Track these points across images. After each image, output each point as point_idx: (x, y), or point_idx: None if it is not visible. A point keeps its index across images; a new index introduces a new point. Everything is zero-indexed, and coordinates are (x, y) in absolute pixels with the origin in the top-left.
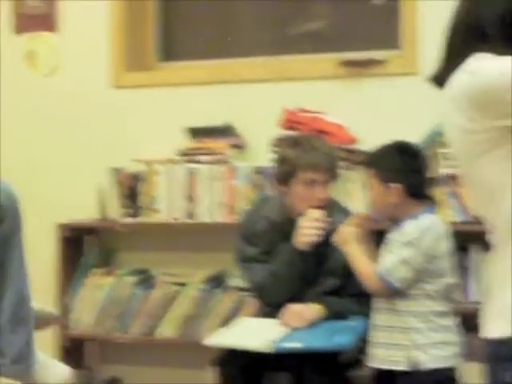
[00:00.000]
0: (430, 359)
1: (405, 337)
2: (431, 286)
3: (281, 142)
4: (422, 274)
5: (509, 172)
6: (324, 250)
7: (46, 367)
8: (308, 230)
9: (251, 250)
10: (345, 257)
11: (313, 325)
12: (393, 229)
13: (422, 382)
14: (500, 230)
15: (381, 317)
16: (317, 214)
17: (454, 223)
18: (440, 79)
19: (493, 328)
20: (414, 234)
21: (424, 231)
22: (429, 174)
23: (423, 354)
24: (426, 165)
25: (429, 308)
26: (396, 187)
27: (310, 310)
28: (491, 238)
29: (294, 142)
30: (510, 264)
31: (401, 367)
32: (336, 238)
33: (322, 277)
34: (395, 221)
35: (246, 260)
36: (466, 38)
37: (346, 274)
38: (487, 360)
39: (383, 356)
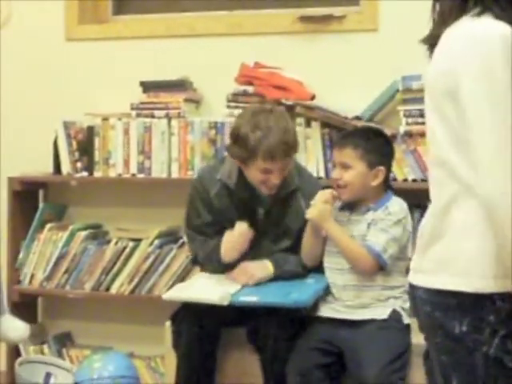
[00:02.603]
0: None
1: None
2: (404, 263)
3: (240, 115)
4: (401, 251)
5: None
6: (280, 211)
7: (7, 322)
8: (232, 245)
9: (198, 220)
10: (300, 219)
11: (262, 284)
12: (362, 210)
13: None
14: (464, 180)
15: (350, 293)
16: (243, 228)
17: (412, 181)
18: (432, 40)
19: (445, 280)
20: (401, 214)
21: (407, 211)
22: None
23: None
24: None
25: (402, 283)
26: (382, 170)
27: (258, 268)
28: (446, 185)
29: (254, 123)
30: (473, 217)
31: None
32: (312, 215)
33: (278, 237)
34: (360, 203)
35: (191, 228)
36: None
37: (299, 236)
38: (433, 309)
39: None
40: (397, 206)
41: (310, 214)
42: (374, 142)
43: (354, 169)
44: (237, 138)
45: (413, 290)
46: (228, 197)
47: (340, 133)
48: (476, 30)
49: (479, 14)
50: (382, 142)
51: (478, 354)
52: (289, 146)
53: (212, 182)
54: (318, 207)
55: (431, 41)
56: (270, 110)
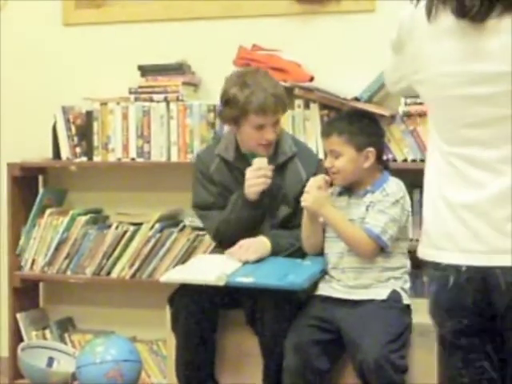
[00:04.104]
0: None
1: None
2: (404, 244)
3: (227, 80)
4: (401, 232)
5: None
6: (278, 179)
7: None
8: (254, 181)
9: (206, 196)
10: (298, 185)
11: (264, 260)
12: (360, 193)
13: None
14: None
15: (350, 275)
16: (261, 163)
17: (412, 161)
18: (480, 16)
19: None
20: (398, 194)
21: (405, 191)
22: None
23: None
24: (384, 131)
25: (403, 264)
26: (371, 151)
27: (256, 244)
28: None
29: (241, 82)
30: None
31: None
32: (307, 203)
33: (276, 208)
34: (358, 186)
35: (202, 207)
36: None
37: (297, 202)
38: None
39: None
40: (394, 186)
41: (306, 201)
42: (358, 124)
43: (343, 155)
44: (227, 100)
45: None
46: (227, 171)
47: (325, 122)
48: None
49: None
50: (366, 123)
51: None
52: (279, 99)
53: (211, 159)
54: (313, 194)
55: None
56: (256, 70)
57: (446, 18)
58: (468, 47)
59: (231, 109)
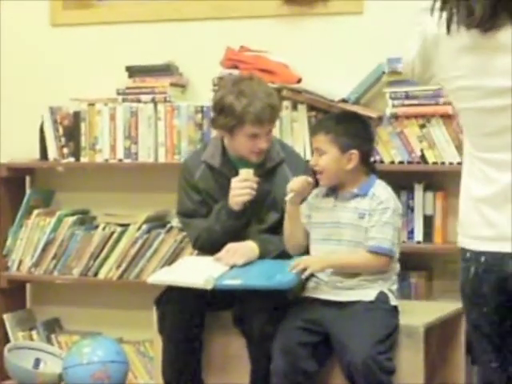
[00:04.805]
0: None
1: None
2: (396, 248)
3: (221, 86)
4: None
5: None
6: (266, 185)
7: None
8: (239, 191)
9: (189, 204)
10: (286, 193)
11: (251, 263)
12: (346, 196)
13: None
14: None
15: (337, 277)
16: (248, 174)
17: (399, 163)
18: (486, 24)
19: None
20: (392, 200)
21: (394, 195)
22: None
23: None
24: (374, 135)
25: (392, 266)
26: (354, 153)
27: (244, 248)
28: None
29: (238, 91)
30: None
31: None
32: (313, 265)
33: (265, 213)
34: (343, 188)
35: (185, 215)
36: None
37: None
38: None
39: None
40: (383, 190)
41: (309, 266)
42: (345, 125)
43: (327, 154)
44: (222, 108)
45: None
46: (213, 178)
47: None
48: None
49: None
50: (354, 125)
51: None
52: (275, 109)
53: (196, 165)
54: (309, 260)
55: None
56: (250, 78)
57: (463, 33)
58: (481, 63)
59: (227, 117)
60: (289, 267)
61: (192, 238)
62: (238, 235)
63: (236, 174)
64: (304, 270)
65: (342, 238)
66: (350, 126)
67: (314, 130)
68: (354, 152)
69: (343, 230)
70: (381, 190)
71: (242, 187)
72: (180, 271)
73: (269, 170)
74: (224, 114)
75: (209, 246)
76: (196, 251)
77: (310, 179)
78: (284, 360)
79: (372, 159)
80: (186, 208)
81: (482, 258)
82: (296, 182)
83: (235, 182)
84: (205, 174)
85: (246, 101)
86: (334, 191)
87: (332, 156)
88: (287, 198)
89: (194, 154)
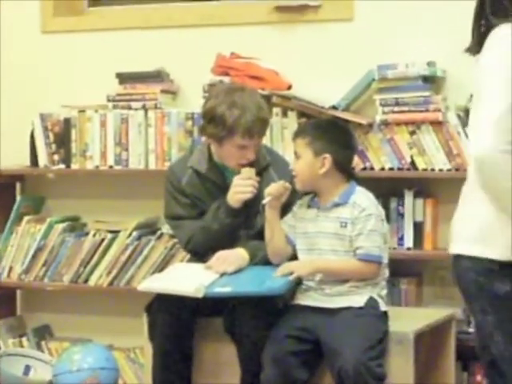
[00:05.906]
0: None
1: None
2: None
3: (212, 95)
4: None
5: None
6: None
7: None
8: (242, 188)
9: (177, 208)
10: None
11: (241, 270)
12: (327, 205)
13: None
14: None
15: (327, 285)
16: (251, 173)
17: (389, 169)
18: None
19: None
20: (371, 207)
21: (376, 202)
22: (355, 153)
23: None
24: (355, 144)
25: (382, 272)
26: (327, 157)
27: (234, 256)
28: None
29: (230, 102)
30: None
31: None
32: (302, 270)
33: (253, 218)
34: (322, 197)
35: (174, 217)
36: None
37: None
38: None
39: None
40: (363, 197)
41: (298, 271)
42: (323, 129)
43: (302, 157)
44: (213, 117)
45: None
46: (200, 184)
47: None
48: None
49: None
50: (333, 131)
51: None
52: (265, 123)
53: (183, 171)
54: (296, 264)
55: None
56: (242, 88)
57: None
58: None
59: (217, 127)
60: (276, 272)
61: (183, 240)
62: (234, 235)
63: (223, 179)
64: (291, 273)
65: (325, 248)
66: (328, 132)
67: (294, 135)
68: (327, 156)
69: (325, 240)
70: (361, 197)
71: (245, 185)
72: (170, 279)
73: (255, 175)
74: (214, 124)
75: (202, 247)
76: (187, 256)
77: (288, 184)
78: (275, 370)
79: (353, 166)
80: (175, 211)
81: None
82: (273, 187)
83: (237, 180)
84: (192, 179)
85: (237, 112)
86: (316, 202)
87: (306, 160)
88: (264, 202)
89: (180, 160)
